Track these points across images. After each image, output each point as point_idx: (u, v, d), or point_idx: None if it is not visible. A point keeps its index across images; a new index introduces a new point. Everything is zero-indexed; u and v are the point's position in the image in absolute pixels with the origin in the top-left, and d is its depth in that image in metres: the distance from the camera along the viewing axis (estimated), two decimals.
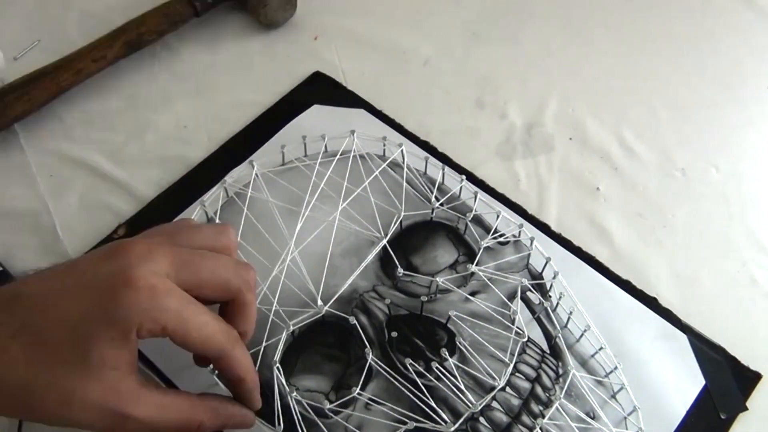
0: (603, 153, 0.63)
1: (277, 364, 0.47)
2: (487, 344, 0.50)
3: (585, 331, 0.52)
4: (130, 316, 0.36)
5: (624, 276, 0.55)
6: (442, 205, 0.56)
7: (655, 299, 0.54)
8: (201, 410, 0.42)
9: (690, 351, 0.52)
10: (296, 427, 0.47)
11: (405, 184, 0.57)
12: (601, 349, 0.51)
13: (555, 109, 0.65)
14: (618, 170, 0.62)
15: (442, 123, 0.64)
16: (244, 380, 0.43)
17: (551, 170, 0.62)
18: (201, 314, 0.39)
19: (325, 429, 0.47)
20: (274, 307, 0.49)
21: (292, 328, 0.49)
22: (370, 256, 0.52)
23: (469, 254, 0.55)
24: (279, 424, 0.46)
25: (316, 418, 0.47)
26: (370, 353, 0.47)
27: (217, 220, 0.54)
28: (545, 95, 0.66)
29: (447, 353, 0.48)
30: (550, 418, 0.47)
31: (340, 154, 0.56)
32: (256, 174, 0.56)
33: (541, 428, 0.47)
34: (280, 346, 0.48)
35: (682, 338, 0.53)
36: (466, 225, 0.56)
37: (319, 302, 0.49)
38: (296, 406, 0.47)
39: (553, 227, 0.58)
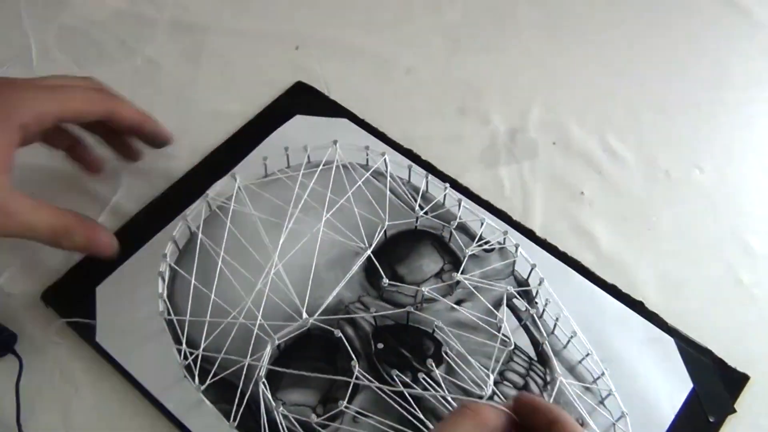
0: (587, 157, 0.63)
1: (263, 379, 0.47)
2: (473, 353, 0.49)
3: (571, 337, 0.51)
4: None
5: (610, 280, 0.55)
6: (426, 213, 0.56)
7: (641, 303, 0.54)
8: (70, 217, 0.49)
9: (677, 354, 0.52)
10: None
11: (388, 193, 0.57)
12: (588, 355, 0.51)
13: (538, 114, 0.65)
14: (602, 174, 0.62)
15: (426, 130, 0.64)
16: (143, 122, 0.54)
17: (535, 176, 0.61)
18: (73, 90, 0.51)
19: None
20: (258, 321, 0.49)
21: (277, 342, 0.49)
22: (355, 267, 0.52)
23: (455, 262, 0.55)
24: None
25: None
26: (356, 366, 0.46)
27: (200, 235, 0.54)
28: (528, 101, 0.66)
29: (433, 364, 0.48)
30: None
31: (323, 165, 0.56)
32: (239, 187, 0.55)
33: None
34: (265, 360, 0.48)
35: (669, 342, 0.52)
36: (451, 233, 0.56)
37: (304, 315, 0.49)
38: (283, 421, 0.47)
39: (538, 233, 0.58)
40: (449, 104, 0.66)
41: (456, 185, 0.59)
